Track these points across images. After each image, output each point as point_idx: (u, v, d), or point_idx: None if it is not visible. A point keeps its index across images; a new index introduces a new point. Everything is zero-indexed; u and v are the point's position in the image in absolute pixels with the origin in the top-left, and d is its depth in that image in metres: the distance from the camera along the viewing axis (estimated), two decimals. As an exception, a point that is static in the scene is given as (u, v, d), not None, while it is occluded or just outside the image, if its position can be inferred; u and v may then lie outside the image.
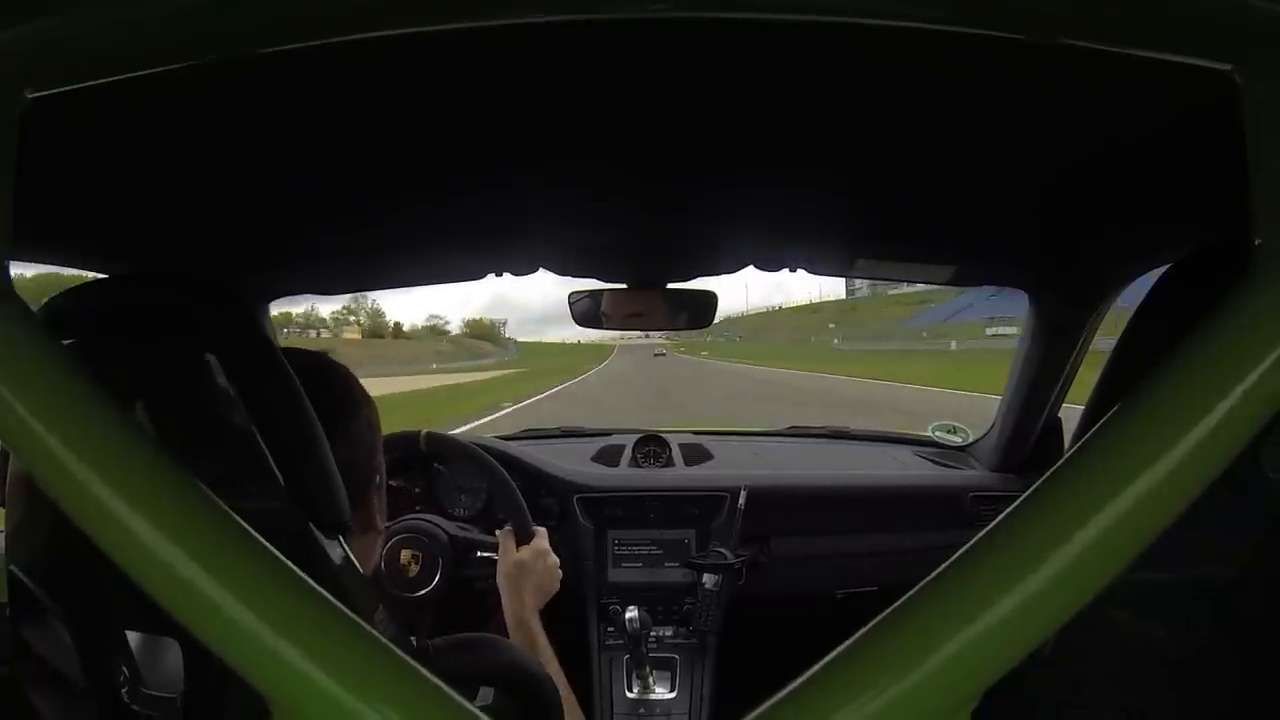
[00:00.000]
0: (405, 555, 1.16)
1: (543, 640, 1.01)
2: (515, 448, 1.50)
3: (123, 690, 0.50)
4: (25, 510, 0.51)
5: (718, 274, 1.08)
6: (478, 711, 0.27)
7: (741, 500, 1.38)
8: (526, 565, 1.07)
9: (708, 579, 1.33)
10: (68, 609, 0.50)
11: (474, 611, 1.18)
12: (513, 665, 0.67)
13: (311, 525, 0.52)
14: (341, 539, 0.55)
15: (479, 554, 1.17)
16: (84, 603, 0.50)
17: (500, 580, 1.07)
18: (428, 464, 1.40)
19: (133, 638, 0.51)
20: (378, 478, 0.65)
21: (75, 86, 0.28)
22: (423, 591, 1.15)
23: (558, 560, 1.13)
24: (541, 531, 1.14)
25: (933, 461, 1.67)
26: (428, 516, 1.23)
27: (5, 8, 0.26)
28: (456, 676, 0.62)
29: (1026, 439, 1.39)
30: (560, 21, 0.28)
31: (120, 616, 0.50)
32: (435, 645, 0.61)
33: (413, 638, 0.59)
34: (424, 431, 1.26)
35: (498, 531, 1.16)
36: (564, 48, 0.47)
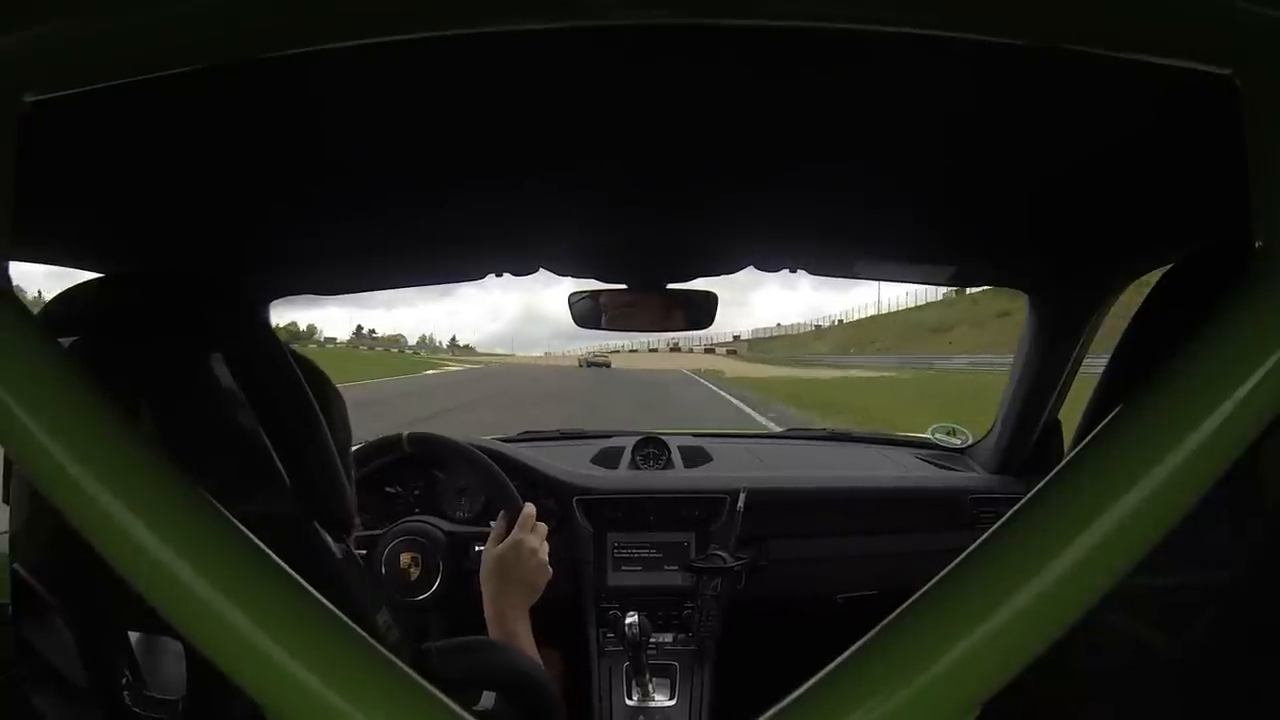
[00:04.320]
0: (405, 559, 1.16)
1: (526, 644, 0.93)
2: (514, 449, 1.50)
3: (125, 693, 0.50)
4: (30, 509, 0.50)
5: (717, 275, 1.08)
6: (470, 717, 0.27)
7: (740, 502, 1.38)
8: (506, 560, 0.99)
9: (708, 583, 1.32)
10: (71, 610, 0.50)
11: (479, 614, 1.18)
12: (513, 669, 0.67)
13: (317, 525, 0.52)
14: (347, 539, 0.55)
15: (477, 548, 1.15)
16: (88, 604, 0.49)
17: (482, 577, 1.00)
18: (422, 468, 1.39)
19: (135, 640, 0.51)
20: (352, 473, 0.65)
21: (76, 90, 0.28)
22: (425, 595, 1.15)
23: (536, 551, 1.02)
24: (529, 510, 1.05)
25: (932, 464, 1.67)
26: (425, 518, 1.23)
27: (6, 11, 0.26)
28: (458, 680, 0.62)
29: (1026, 441, 1.39)
30: (561, 27, 0.28)
31: (124, 618, 0.50)
32: (437, 649, 0.61)
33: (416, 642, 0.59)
34: (406, 433, 1.23)
35: (491, 523, 1.09)
36: (564, 51, 0.48)
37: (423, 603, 1.15)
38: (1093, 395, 0.47)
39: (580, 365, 45.78)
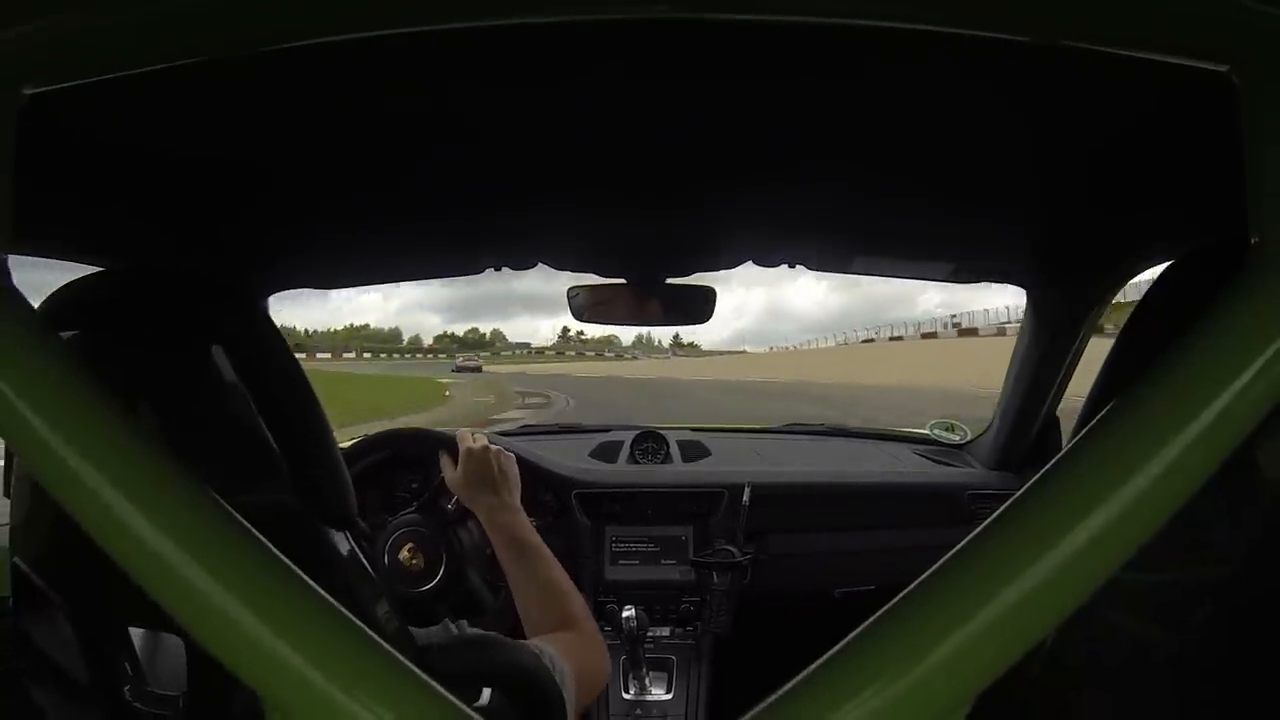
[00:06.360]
0: (405, 552, 1.16)
1: (527, 532, 0.92)
2: (512, 443, 1.49)
3: (126, 689, 0.50)
4: (31, 503, 0.50)
5: (716, 270, 1.09)
6: (471, 712, 0.27)
7: (746, 497, 1.38)
8: (469, 473, 1.00)
9: (717, 577, 1.33)
10: (72, 604, 0.50)
11: (486, 600, 1.17)
12: (514, 666, 0.67)
13: (319, 519, 0.52)
14: (348, 533, 0.55)
15: (449, 505, 1.14)
16: (89, 598, 0.49)
17: (468, 504, 1.02)
18: (416, 463, 1.39)
19: (136, 636, 0.51)
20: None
21: (74, 84, 0.28)
22: (430, 585, 1.15)
23: (486, 446, 1.01)
24: (461, 431, 1.06)
25: (930, 459, 1.67)
26: (421, 510, 1.23)
27: (4, 5, 0.26)
28: (458, 676, 0.62)
29: (1024, 437, 1.40)
30: (561, 21, 0.28)
31: (126, 614, 0.50)
32: (437, 644, 0.61)
33: (415, 636, 0.59)
34: (378, 432, 1.23)
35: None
36: (563, 45, 0.47)
37: (428, 593, 1.16)
38: (1092, 390, 0.48)
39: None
